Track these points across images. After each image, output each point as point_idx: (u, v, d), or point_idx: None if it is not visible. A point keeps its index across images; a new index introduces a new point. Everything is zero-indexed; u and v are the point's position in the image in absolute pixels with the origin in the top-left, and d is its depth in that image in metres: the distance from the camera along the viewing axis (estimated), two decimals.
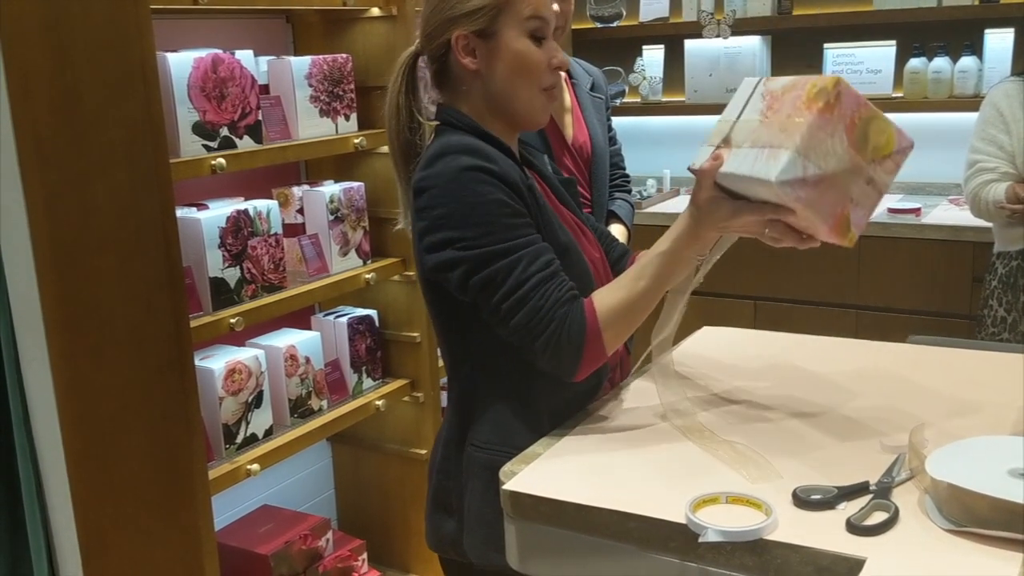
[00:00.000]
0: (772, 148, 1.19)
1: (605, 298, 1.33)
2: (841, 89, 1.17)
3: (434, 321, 1.48)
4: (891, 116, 1.23)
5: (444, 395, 2.19)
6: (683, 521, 1.08)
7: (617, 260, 1.62)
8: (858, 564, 0.98)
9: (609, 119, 2.62)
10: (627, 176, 2.69)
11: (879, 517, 1.07)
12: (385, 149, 2.62)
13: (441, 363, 1.53)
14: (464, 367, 1.45)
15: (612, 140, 2.62)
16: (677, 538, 1.09)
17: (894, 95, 3.48)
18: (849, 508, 1.09)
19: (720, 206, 1.27)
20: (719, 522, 1.06)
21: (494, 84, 1.41)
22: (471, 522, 1.42)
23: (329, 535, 2.60)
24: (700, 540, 1.06)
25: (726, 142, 1.30)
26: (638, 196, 3.56)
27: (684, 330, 1.72)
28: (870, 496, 1.11)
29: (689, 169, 1.36)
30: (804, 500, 1.11)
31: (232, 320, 2.15)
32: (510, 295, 1.31)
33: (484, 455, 1.40)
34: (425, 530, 1.53)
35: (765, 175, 1.17)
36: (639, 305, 1.32)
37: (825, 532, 1.05)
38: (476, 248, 1.31)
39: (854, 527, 1.05)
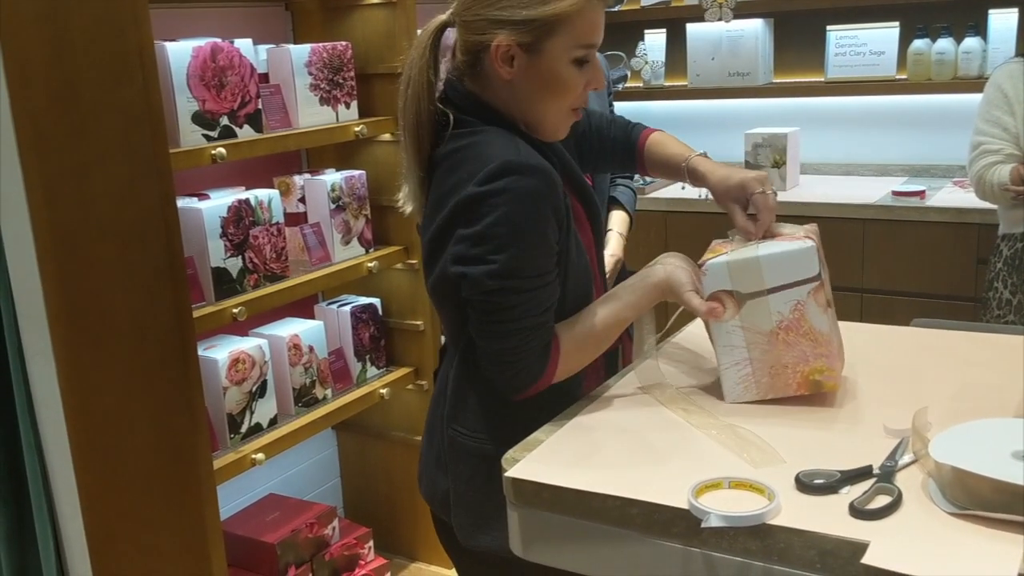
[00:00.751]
0: (753, 374, 1.37)
1: (571, 355, 1.38)
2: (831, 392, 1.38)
3: (436, 300, 1.45)
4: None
5: None
6: (685, 507, 1.08)
7: (626, 139, 1.67)
8: (861, 548, 0.98)
9: (611, 105, 2.61)
10: None
11: (882, 501, 1.07)
12: (386, 137, 2.62)
13: None
14: (459, 349, 1.44)
15: None
16: (679, 523, 1.09)
17: (897, 77, 3.45)
18: (852, 492, 1.09)
19: (693, 309, 1.40)
20: (722, 507, 1.06)
21: (523, 95, 1.37)
22: (457, 503, 1.43)
23: (335, 523, 2.61)
24: (703, 525, 1.06)
25: (740, 297, 1.36)
26: (640, 182, 3.54)
27: (687, 315, 1.71)
28: (873, 480, 1.11)
29: (699, 264, 1.40)
30: (807, 484, 1.11)
31: (235, 310, 2.15)
32: (495, 323, 1.32)
33: (470, 443, 1.41)
34: (419, 477, 1.54)
35: (726, 384, 1.39)
36: (591, 359, 1.43)
37: (828, 516, 1.05)
38: (499, 277, 1.29)
39: (857, 511, 1.05)
